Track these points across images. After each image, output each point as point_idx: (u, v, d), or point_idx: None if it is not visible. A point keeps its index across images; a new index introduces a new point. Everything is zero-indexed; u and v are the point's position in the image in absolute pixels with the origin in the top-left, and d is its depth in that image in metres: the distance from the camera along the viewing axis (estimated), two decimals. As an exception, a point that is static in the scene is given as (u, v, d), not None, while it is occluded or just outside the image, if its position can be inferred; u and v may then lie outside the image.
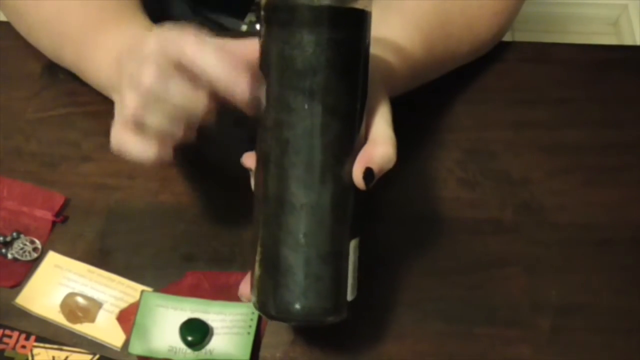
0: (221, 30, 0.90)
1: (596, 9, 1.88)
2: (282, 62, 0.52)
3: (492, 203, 0.70)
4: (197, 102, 0.54)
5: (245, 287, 0.58)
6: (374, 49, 0.56)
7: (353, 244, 0.55)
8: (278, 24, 0.52)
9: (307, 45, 0.51)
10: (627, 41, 1.81)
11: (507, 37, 0.80)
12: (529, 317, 0.64)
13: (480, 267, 0.66)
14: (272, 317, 0.55)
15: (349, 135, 0.53)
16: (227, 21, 0.90)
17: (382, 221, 0.68)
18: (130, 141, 0.55)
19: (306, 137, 0.52)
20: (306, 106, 0.52)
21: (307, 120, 0.52)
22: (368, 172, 0.53)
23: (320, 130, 0.52)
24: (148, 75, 0.53)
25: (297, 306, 0.54)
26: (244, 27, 0.90)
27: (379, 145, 0.54)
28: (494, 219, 0.69)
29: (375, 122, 0.55)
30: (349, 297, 0.55)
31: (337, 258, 0.54)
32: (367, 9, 0.53)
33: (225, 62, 0.52)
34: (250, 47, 0.54)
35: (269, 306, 0.55)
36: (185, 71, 0.53)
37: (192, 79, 0.53)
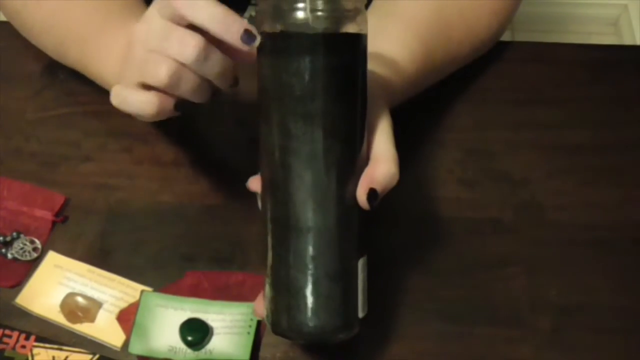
0: None
1: (596, 9, 1.88)
2: (280, 89, 0.52)
3: (492, 203, 0.70)
4: (214, 63, 0.54)
5: (259, 305, 0.58)
6: (373, 64, 0.56)
7: (361, 262, 0.55)
8: (274, 52, 0.52)
9: (304, 71, 0.51)
10: (627, 41, 1.81)
11: (507, 37, 0.80)
12: (529, 317, 0.64)
13: (480, 267, 0.66)
14: (285, 336, 0.56)
15: (350, 157, 0.53)
16: None
17: (382, 221, 0.67)
18: (132, 95, 0.55)
19: (308, 161, 0.52)
20: (307, 131, 0.52)
21: (308, 145, 0.52)
22: (372, 193, 0.53)
23: (322, 154, 0.52)
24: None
25: (309, 325, 0.54)
26: None
27: (381, 163, 0.54)
28: (494, 219, 0.69)
29: (376, 138, 0.55)
30: (360, 314, 0.56)
31: (345, 277, 0.54)
32: (362, 32, 0.53)
33: (213, 8, 0.52)
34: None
35: (282, 326, 0.55)
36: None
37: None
